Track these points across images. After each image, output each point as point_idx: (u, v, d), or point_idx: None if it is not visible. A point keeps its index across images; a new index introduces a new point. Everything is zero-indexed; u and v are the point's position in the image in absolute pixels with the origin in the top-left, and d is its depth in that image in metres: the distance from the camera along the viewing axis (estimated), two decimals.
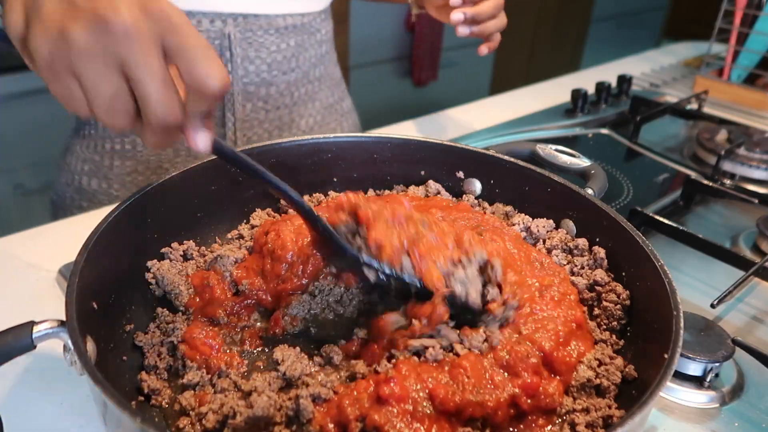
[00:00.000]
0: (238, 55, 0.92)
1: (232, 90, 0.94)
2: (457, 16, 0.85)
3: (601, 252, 0.62)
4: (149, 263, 0.62)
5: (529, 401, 0.48)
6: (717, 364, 0.60)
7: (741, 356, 0.64)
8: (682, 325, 0.48)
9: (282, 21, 0.95)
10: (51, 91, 0.42)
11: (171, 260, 0.64)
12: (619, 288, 0.59)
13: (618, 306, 0.58)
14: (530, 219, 0.69)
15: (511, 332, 0.52)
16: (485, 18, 0.86)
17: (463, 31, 0.87)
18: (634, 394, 0.50)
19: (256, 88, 0.97)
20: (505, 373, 0.49)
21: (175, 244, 0.66)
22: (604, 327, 0.58)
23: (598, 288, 0.60)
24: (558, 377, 0.51)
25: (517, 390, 0.48)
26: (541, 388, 0.49)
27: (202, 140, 0.45)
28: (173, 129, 0.43)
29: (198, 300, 0.61)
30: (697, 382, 0.62)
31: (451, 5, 0.85)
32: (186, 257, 0.66)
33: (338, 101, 1.14)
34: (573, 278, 0.62)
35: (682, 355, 0.56)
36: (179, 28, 0.40)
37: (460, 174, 0.76)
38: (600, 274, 0.61)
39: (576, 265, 0.63)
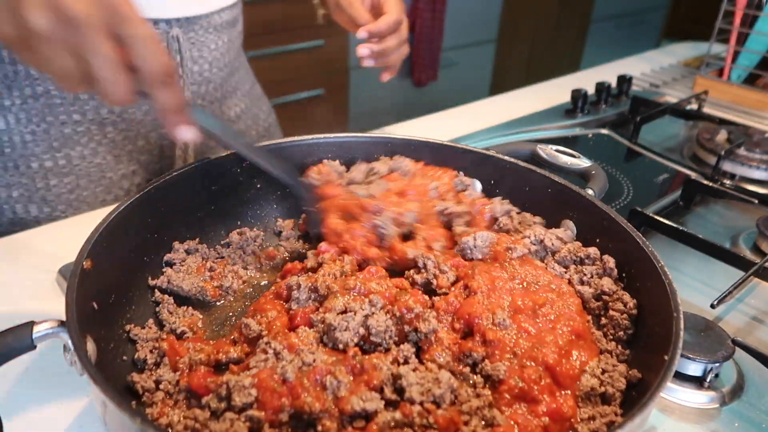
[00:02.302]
0: (188, 59, 0.92)
1: (184, 93, 0.93)
2: (363, 51, 0.87)
3: (610, 261, 0.61)
4: (158, 282, 0.62)
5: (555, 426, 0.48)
6: (717, 365, 0.60)
7: (741, 356, 0.64)
8: (682, 326, 0.48)
9: (218, 18, 0.95)
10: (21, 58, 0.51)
11: (174, 265, 0.64)
12: (627, 297, 0.58)
13: (624, 315, 0.57)
14: (543, 232, 0.66)
15: (501, 355, 0.51)
16: (390, 52, 0.88)
17: (368, 63, 0.89)
18: (634, 395, 0.50)
19: (198, 87, 0.96)
20: (524, 405, 0.48)
21: (176, 244, 0.66)
22: (611, 337, 0.57)
23: (605, 297, 0.59)
24: (565, 391, 0.50)
25: (547, 420, 0.47)
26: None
27: (185, 134, 0.54)
28: (126, 101, 0.50)
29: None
30: (697, 382, 0.62)
31: (357, 37, 0.86)
32: (188, 252, 0.66)
33: (252, 86, 1.15)
34: (579, 287, 0.61)
35: (682, 355, 0.56)
36: (128, 19, 0.47)
37: (461, 174, 0.76)
38: (607, 284, 0.59)
39: (585, 275, 0.62)
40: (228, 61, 1.01)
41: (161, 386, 0.51)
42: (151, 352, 0.55)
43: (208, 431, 0.45)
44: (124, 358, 0.55)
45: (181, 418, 0.47)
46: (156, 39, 0.48)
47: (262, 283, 0.68)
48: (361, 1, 0.90)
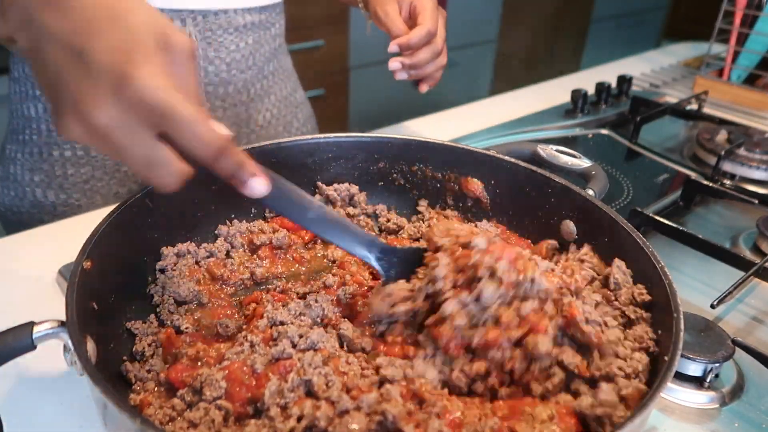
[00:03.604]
0: (199, 57, 0.91)
1: None
2: (394, 65, 0.85)
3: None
4: (152, 289, 0.62)
5: None
6: (717, 365, 0.60)
7: (741, 357, 0.64)
8: (682, 326, 0.48)
9: (241, 19, 0.94)
10: None
11: (165, 271, 0.64)
12: None
13: None
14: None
15: None
16: (423, 64, 0.86)
17: (401, 75, 0.88)
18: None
19: (215, 88, 0.95)
20: None
21: (166, 249, 0.66)
22: None
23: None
24: None
25: None
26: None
27: (254, 188, 0.49)
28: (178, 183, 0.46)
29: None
30: (697, 382, 0.62)
31: (388, 51, 0.85)
32: (179, 255, 0.66)
33: (292, 93, 1.14)
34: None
35: (682, 355, 0.56)
36: (160, 111, 0.42)
37: (461, 174, 0.76)
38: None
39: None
40: (253, 64, 1.00)
41: (150, 376, 0.52)
42: (149, 345, 0.56)
43: (185, 420, 0.46)
44: (124, 358, 0.55)
45: (158, 408, 0.48)
46: (195, 118, 0.43)
47: None
48: (398, 10, 0.88)
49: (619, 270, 0.59)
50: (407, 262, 0.56)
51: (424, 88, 0.93)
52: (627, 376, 0.49)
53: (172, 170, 0.45)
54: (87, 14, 0.43)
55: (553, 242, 0.68)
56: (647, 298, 0.56)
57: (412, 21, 0.88)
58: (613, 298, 0.57)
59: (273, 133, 1.09)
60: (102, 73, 0.41)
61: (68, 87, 0.42)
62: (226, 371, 0.48)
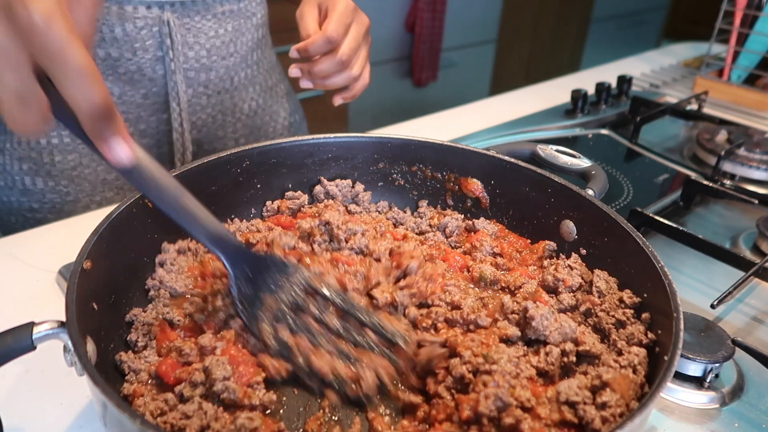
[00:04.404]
0: (179, 42, 0.92)
1: (175, 77, 0.94)
2: (294, 71, 0.82)
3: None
4: (149, 284, 0.62)
5: None
6: (717, 365, 0.61)
7: (741, 357, 0.64)
8: (682, 326, 0.48)
9: (219, 6, 0.96)
10: None
11: (165, 266, 0.64)
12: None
13: None
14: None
15: None
16: (325, 75, 0.81)
17: (305, 84, 0.83)
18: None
19: (196, 73, 0.97)
20: None
21: (165, 245, 0.66)
22: None
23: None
24: None
25: None
26: None
27: (119, 154, 0.44)
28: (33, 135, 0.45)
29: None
30: (697, 382, 0.62)
31: (289, 56, 0.81)
32: (180, 251, 0.66)
33: (277, 84, 1.15)
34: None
35: (682, 355, 0.56)
36: (51, 48, 0.39)
37: (461, 174, 0.76)
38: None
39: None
40: (235, 51, 1.00)
41: (144, 367, 0.53)
42: (144, 335, 0.56)
43: (178, 413, 0.46)
44: (121, 351, 0.55)
45: (150, 400, 0.48)
46: (89, 69, 0.40)
47: None
48: (316, 13, 0.82)
49: (600, 279, 0.60)
50: (257, 267, 0.56)
51: (337, 100, 0.87)
52: (622, 368, 0.50)
53: (36, 114, 0.42)
54: None
55: (551, 243, 0.68)
56: (636, 300, 0.57)
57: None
58: (598, 302, 0.58)
59: (259, 122, 1.10)
60: None
61: None
62: (226, 356, 0.51)
